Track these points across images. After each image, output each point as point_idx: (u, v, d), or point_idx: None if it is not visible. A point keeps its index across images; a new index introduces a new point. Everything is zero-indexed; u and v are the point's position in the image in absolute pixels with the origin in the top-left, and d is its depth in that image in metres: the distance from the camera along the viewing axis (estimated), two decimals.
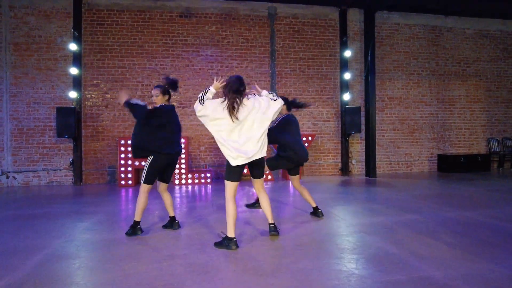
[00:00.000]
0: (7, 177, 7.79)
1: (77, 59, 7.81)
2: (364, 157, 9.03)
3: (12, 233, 3.89)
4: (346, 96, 8.72)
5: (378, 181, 7.86)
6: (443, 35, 9.56)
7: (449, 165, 9.05)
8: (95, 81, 8.08)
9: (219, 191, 6.75)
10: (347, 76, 8.72)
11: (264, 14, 8.67)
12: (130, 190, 7.15)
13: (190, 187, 7.42)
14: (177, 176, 7.64)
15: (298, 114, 8.71)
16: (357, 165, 9.16)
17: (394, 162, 9.37)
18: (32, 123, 7.83)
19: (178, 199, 5.98)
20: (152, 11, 8.23)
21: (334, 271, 2.70)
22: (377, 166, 8.71)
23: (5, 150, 7.77)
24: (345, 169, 8.84)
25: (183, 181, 7.68)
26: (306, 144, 8.38)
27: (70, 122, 7.38)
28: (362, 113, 8.72)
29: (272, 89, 8.70)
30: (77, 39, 7.78)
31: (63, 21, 7.93)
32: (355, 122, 8.37)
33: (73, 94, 7.70)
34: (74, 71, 7.70)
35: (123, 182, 7.52)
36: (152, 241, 3.53)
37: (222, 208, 4.80)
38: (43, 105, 7.86)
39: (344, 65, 8.82)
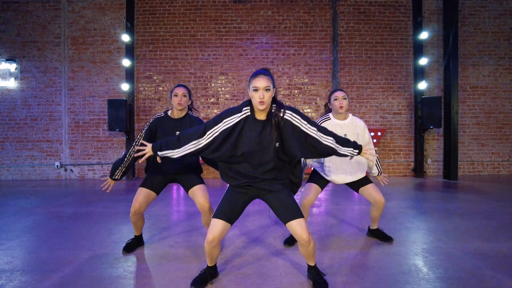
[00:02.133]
0: (65, 170, 7.50)
1: (129, 50, 7.24)
2: (441, 156, 7.45)
3: (44, 237, 3.21)
4: (422, 85, 7.16)
5: (461, 185, 6.30)
6: None
7: None
8: (147, 73, 7.47)
9: None
10: (422, 61, 7.16)
11: None
12: (182, 188, 6.42)
13: None
14: None
15: (363, 105, 7.39)
16: (433, 165, 7.57)
17: (477, 162, 7.62)
18: (87, 117, 7.44)
19: None
20: None
21: None
22: (457, 166, 7.08)
23: (63, 143, 7.47)
24: (419, 170, 7.31)
25: None
26: (375, 140, 7.07)
27: (121, 115, 6.83)
28: (441, 105, 7.11)
29: (334, 77, 7.43)
30: (130, 30, 7.21)
31: (116, 13, 7.40)
32: (434, 115, 6.83)
33: (125, 87, 7.15)
34: (126, 63, 7.13)
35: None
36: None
37: None
38: (97, 98, 7.42)
39: (419, 49, 7.26)
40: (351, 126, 2.86)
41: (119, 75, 7.40)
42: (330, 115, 2.94)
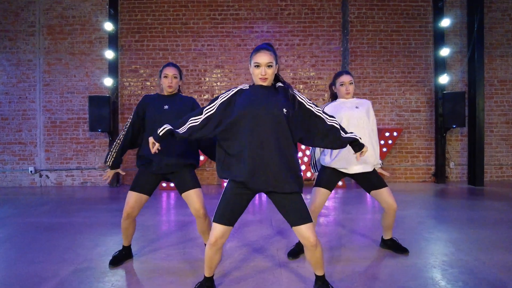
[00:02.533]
0: (40, 176, 7.62)
1: (113, 41, 7.40)
2: (465, 159, 7.59)
3: (22, 250, 3.31)
4: (443, 79, 7.30)
5: (486, 192, 6.43)
6: None
7: None
8: (133, 66, 7.60)
9: None
10: (444, 52, 7.31)
11: None
12: (172, 194, 6.53)
13: None
14: None
15: (376, 102, 7.53)
16: (456, 169, 7.70)
17: (506, 165, 7.76)
18: (65, 115, 7.57)
19: None
20: None
21: None
22: (483, 171, 7.21)
23: (38, 145, 7.60)
24: (440, 175, 7.44)
25: None
26: (390, 142, 7.20)
27: (104, 113, 6.97)
28: (465, 101, 7.25)
29: (344, 69, 7.55)
30: (113, 18, 7.36)
31: None
32: (457, 113, 6.97)
33: (108, 82, 7.28)
34: (109, 54, 7.27)
35: (164, 185, 6.96)
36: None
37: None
38: (76, 95, 7.56)
39: (440, 38, 7.42)
40: (359, 103, 3.12)
41: (101, 68, 7.54)
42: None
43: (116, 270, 2.87)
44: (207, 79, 7.61)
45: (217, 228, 2.15)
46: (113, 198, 6.29)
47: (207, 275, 2.36)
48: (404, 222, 4.26)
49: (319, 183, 3.05)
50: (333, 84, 3.20)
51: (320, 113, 2.24)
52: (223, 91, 2.25)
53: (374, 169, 3.07)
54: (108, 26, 7.24)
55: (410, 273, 2.74)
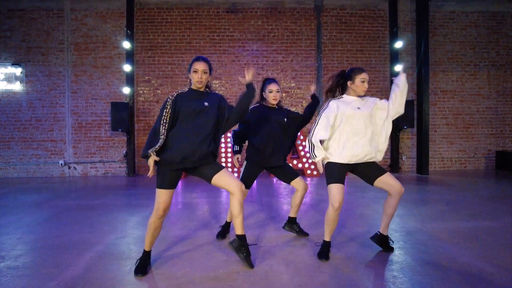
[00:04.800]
0: (69, 168, 7.86)
1: (130, 56, 7.65)
2: (414, 153, 8.11)
3: (68, 225, 3.67)
4: None
5: (431, 179, 6.96)
6: (506, 22, 8.27)
7: (510, 163, 7.85)
8: (146, 77, 7.90)
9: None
10: (398, 68, 7.80)
11: (310, 7, 7.98)
12: (180, 182, 6.87)
13: None
14: None
15: None
16: (407, 162, 8.24)
17: (446, 158, 8.33)
18: (90, 118, 7.82)
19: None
20: (200, 8, 7.86)
21: None
22: (429, 162, 7.75)
23: (67, 142, 7.83)
24: (394, 166, 7.97)
25: None
26: None
27: (123, 116, 7.26)
28: (414, 107, 7.77)
29: (318, 82, 8.01)
30: (130, 38, 7.61)
31: (117, 21, 7.80)
32: (408, 116, 7.47)
33: (126, 90, 7.57)
34: (127, 68, 7.55)
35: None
36: (206, 240, 3.11)
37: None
38: (99, 101, 7.82)
39: (395, 57, 7.91)
40: (362, 104, 2.70)
41: (119, 79, 7.81)
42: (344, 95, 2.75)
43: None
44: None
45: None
46: (130, 185, 6.61)
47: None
48: (364, 203, 4.73)
49: (329, 179, 2.64)
50: (349, 79, 2.71)
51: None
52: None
53: (373, 161, 2.73)
54: (126, 45, 7.51)
55: (367, 238, 3.20)
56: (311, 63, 8.03)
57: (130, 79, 7.68)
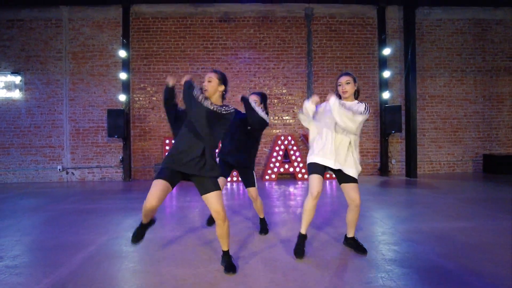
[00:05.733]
0: (67, 173, 8.07)
1: (125, 64, 7.89)
2: (403, 157, 8.32)
3: (64, 227, 3.88)
4: (386, 95, 8.05)
5: (419, 182, 7.17)
6: (491, 29, 8.52)
7: (496, 166, 8.07)
8: (142, 85, 8.14)
9: None
10: (386, 74, 8.06)
11: (300, 15, 8.24)
12: (175, 187, 7.07)
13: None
14: None
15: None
16: (397, 165, 8.45)
17: (435, 162, 8.55)
18: (87, 124, 8.05)
19: None
20: (194, 17, 8.12)
21: (383, 287, 2.29)
22: (417, 166, 7.95)
23: (65, 148, 8.05)
24: (384, 169, 8.18)
25: None
26: None
27: (119, 123, 7.48)
28: (402, 112, 8.00)
29: (308, 88, 8.25)
30: (126, 46, 7.85)
31: (113, 30, 8.05)
32: (396, 121, 7.71)
33: (122, 97, 7.80)
34: (123, 76, 7.79)
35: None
36: (193, 242, 3.31)
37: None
38: (96, 108, 8.05)
39: (383, 63, 8.16)
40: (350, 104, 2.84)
41: (116, 86, 8.04)
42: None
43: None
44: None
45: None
46: (126, 190, 6.81)
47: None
48: (362, 205, 4.94)
49: (310, 171, 2.85)
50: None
51: None
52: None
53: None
54: (122, 53, 7.75)
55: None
56: (302, 70, 8.27)
57: (126, 87, 7.91)
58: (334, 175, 2.98)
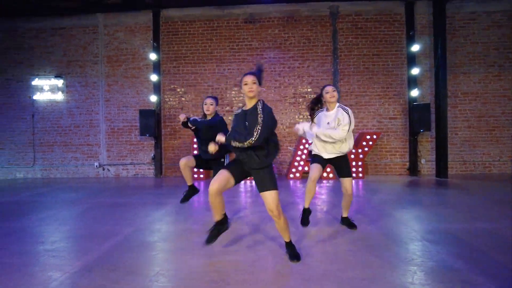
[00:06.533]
0: (103, 169, 8.63)
1: (156, 67, 8.29)
2: (434, 156, 8.03)
3: (96, 219, 4.22)
4: (414, 92, 7.82)
5: (449, 183, 6.90)
6: None
7: None
8: (172, 86, 8.50)
9: None
10: (415, 71, 7.82)
11: (325, 14, 8.21)
12: (202, 183, 7.36)
13: None
14: None
15: (361, 111, 8.11)
16: (427, 165, 8.18)
17: (469, 162, 8.16)
18: (121, 124, 8.55)
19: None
20: (220, 19, 8.36)
21: (386, 283, 2.32)
22: (449, 166, 7.65)
23: (101, 146, 8.61)
24: (413, 169, 7.95)
25: None
26: (371, 143, 7.71)
27: (150, 122, 7.88)
28: (432, 110, 7.73)
29: (335, 87, 8.15)
30: (156, 49, 8.25)
31: (144, 34, 8.49)
32: (424, 120, 7.48)
33: (153, 98, 8.20)
34: (154, 77, 8.19)
35: (196, 176, 7.78)
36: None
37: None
38: (130, 108, 8.52)
39: (412, 60, 7.92)
40: (334, 115, 3.39)
41: (147, 88, 8.47)
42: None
43: (159, 232, 3.69)
44: (227, 95, 8.42)
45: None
46: (156, 185, 7.17)
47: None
48: (382, 203, 4.91)
49: (313, 161, 3.52)
50: (321, 95, 3.53)
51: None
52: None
53: (346, 161, 3.48)
54: (153, 56, 8.16)
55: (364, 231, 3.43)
56: (327, 68, 8.24)
57: (157, 88, 8.32)
58: (335, 173, 3.65)
